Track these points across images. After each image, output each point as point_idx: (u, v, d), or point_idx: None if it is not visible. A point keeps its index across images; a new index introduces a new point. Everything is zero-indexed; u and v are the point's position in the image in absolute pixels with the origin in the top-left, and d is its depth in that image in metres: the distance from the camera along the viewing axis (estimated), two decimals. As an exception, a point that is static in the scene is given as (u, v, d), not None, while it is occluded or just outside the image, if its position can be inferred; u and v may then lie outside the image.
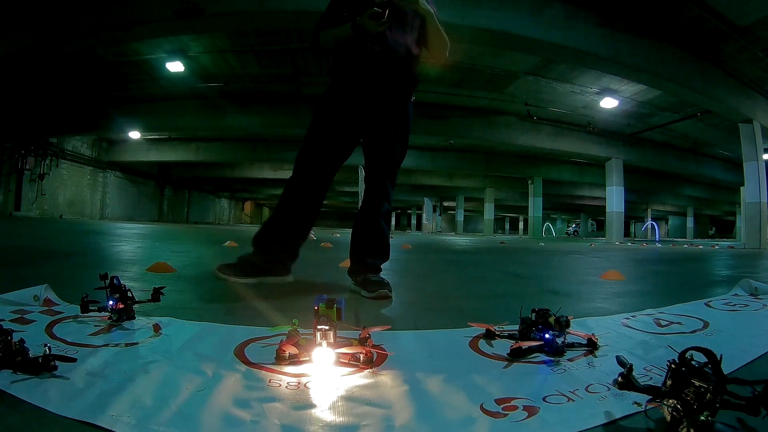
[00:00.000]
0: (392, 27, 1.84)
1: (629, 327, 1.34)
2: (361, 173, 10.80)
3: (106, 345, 1.01)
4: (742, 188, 13.00)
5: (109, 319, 1.19)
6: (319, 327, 0.92)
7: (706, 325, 1.38)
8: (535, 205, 20.48)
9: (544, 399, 0.77)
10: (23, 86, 11.78)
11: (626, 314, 1.54)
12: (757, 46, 8.54)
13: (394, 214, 47.02)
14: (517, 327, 1.15)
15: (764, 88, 10.61)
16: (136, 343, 1.04)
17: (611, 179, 15.41)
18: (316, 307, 0.97)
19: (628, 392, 0.71)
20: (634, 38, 8.27)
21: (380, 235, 2.04)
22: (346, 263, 2.25)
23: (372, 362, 0.92)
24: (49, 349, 0.82)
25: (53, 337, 1.05)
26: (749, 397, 0.60)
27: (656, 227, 30.84)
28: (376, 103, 1.93)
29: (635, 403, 0.73)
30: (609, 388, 0.80)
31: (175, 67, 10.56)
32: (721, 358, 0.63)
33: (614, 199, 15.21)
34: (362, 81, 1.90)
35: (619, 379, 0.71)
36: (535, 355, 1.01)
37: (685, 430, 0.59)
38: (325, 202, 2.13)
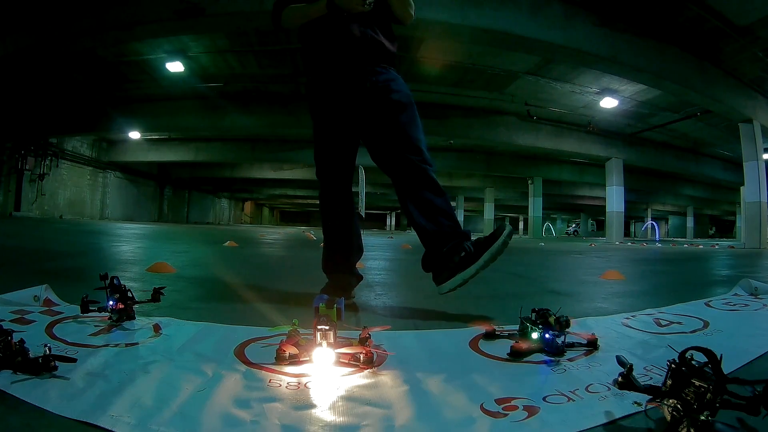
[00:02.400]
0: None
1: (629, 327, 1.35)
2: (361, 173, 10.77)
3: (106, 345, 1.01)
4: (742, 188, 12.99)
5: (109, 319, 1.19)
6: (319, 327, 0.92)
7: (706, 324, 1.38)
8: (535, 205, 20.45)
9: (544, 399, 0.77)
10: (23, 86, 11.76)
11: (626, 314, 1.54)
12: (756, 45, 8.52)
13: (393, 214, 46.37)
14: (517, 327, 1.15)
15: (764, 87, 10.59)
16: (136, 344, 1.04)
17: (611, 179, 15.40)
18: (316, 307, 0.98)
19: (628, 392, 0.71)
20: (634, 38, 8.26)
21: (444, 206, 1.72)
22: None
23: (372, 362, 0.92)
24: (49, 349, 0.82)
25: (53, 337, 1.05)
26: (749, 397, 0.60)
27: (656, 227, 30.84)
28: (355, 76, 1.68)
29: (635, 402, 0.73)
30: (609, 388, 0.80)
31: (175, 67, 10.54)
32: (721, 358, 0.63)
33: (614, 198, 15.20)
34: (340, 59, 1.69)
35: (619, 378, 0.71)
36: (535, 355, 1.02)
37: (685, 430, 0.59)
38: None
